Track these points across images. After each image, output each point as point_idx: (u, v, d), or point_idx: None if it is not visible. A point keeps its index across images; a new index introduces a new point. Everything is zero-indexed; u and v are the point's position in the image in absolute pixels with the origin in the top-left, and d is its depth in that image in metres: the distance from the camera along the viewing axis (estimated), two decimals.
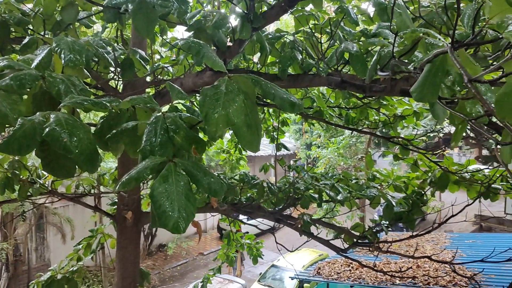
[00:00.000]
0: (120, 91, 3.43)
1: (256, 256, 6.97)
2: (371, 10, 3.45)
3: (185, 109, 1.88)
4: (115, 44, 3.05)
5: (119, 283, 3.71)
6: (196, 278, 14.60)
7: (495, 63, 2.59)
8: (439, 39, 1.64)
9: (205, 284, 6.71)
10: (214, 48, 2.92)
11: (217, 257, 6.96)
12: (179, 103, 3.43)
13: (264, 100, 4.39)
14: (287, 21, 11.87)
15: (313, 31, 3.41)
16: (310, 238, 4.59)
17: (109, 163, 10.81)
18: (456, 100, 1.77)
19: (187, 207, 1.15)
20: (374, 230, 4.63)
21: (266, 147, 20.79)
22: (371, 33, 2.84)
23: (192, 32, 2.86)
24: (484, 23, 1.42)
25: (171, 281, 15.28)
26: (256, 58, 3.89)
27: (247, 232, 9.71)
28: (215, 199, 3.57)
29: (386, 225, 4.69)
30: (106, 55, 2.33)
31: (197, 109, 2.05)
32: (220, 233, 19.23)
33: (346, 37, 3.02)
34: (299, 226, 4.47)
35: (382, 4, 2.74)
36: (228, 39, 3.04)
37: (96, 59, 2.68)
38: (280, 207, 4.73)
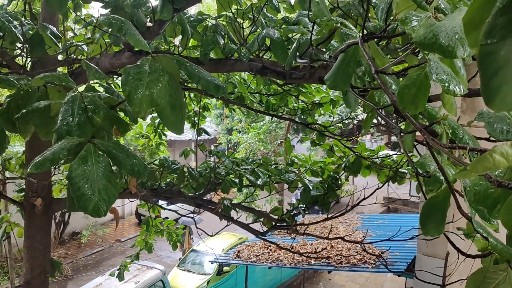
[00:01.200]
0: (28, 69, 3.18)
1: (176, 242, 6.92)
2: None
3: (103, 89, 1.81)
4: (23, 19, 2.82)
5: (28, 274, 3.49)
6: (112, 266, 14.17)
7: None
8: (353, 30, 1.73)
9: (122, 271, 6.55)
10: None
11: (135, 243, 6.81)
12: (95, 83, 3.27)
13: (186, 84, 4.33)
14: (209, 5, 11.73)
15: (236, 16, 3.42)
16: (230, 222, 4.65)
17: (16, 147, 10.03)
18: (367, 89, 1.88)
19: (108, 189, 1.11)
20: (291, 214, 4.80)
21: (187, 132, 20.55)
22: (292, 20, 2.91)
23: (109, 9, 2.73)
24: (392, 18, 1.51)
25: (86, 270, 14.68)
26: (177, 40, 3.81)
27: (167, 218, 9.59)
28: (133, 184, 3.47)
29: (303, 208, 4.88)
30: (13, 29, 2.14)
31: (116, 90, 1.97)
32: (139, 219, 18.76)
33: (268, 23, 3.06)
34: (220, 210, 4.51)
35: None
36: (148, 20, 2.94)
37: (0, 34, 2.46)
38: (201, 192, 4.73)
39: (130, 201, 4.88)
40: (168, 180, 4.80)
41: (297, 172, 5.24)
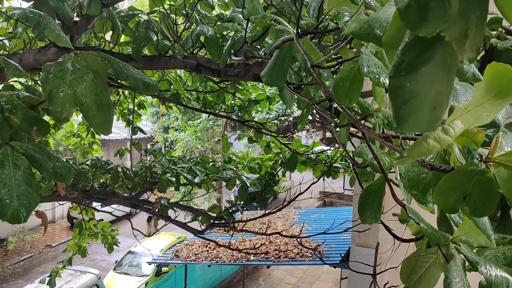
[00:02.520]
0: None
1: (112, 244, 6.69)
2: None
3: (24, 88, 1.69)
4: None
5: None
6: (43, 272, 13.45)
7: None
8: (287, 26, 1.75)
9: (53, 278, 6.24)
10: (59, 22, 2.67)
11: (67, 248, 6.50)
12: (16, 81, 3.07)
13: (119, 81, 4.19)
14: (142, 0, 11.42)
15: (169, 12, 3.35)
16: (168, 222, 4.57)
17: None
18: (302, 85, 1.92)
19: (28, 194, 1.04)
20: (230, 211, 4.81)
21: (121, 131, 19.92)
22: (226, 17, 2.90)
23: (32, 2, 2.57)
24: (324, 15, 1.55)
25: (13, 278, 13.83)
26: (109, 36, 3.68)
27: (102, 220, 9.26)
28: (62, 187, 3.31)
29: (241, 205, 4.90)
30: None
31: (38, 89, 1.86)
32: (71, 223, 17.94)
33: (202, 20, 3.03)
34: (157, 210, 4.42)
35: None
36: (75, 14, 2.80)
37: None
38: (137, 192, 4.61)
39: (60, 204, 4.65)
40: (101, 180, 4.63)
41: (234, 169, 5.25)
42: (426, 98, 0.58)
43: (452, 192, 0.82)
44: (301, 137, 28.98)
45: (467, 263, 1.13)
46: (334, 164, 4.83)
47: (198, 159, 5.49)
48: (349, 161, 3.56)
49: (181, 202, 5.28)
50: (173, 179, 4.78)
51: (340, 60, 1.48)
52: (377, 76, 1.17)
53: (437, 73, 0.57)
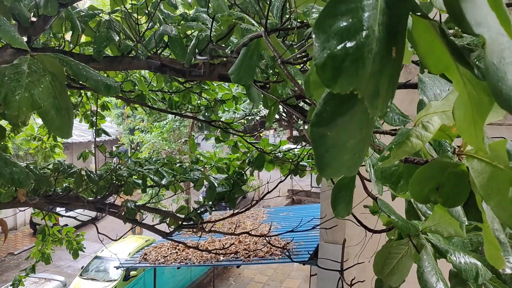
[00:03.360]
0: None
1: (77, 250, 6.53)
2: None
3: None
4: None
5: None
6: (5, 281, 13.01)
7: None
8: (253, 24, 1.75)
9: (16, 286, 6.03)
10: (15, 22, 2.57)
11: (30, 255, 6.29)
12: None
13: (81, 82, 4.08)
14: (104, 0, 11.18)
15: (131, 11, 3.29)
16: (135, 225, 4.50)
17: None
18: (268, 85, 1.93)
19: None
20: (198, 212, 4.78)
21: (85, 133, 19.44)
22: (190, 17, 2.87)
23: None
24: (290, 13, 1.56)
25: None
26: (69, 36, 3.58)
27: (66, 225, 9.01)
28: (22, 193, 3.20)
29: (209, 205, 4.88)
30: None
31: None
32: (34, 229, 17.37)
33: (165, 20, 2.99)
34: (123, 213, 4.34)
35: None
36: (32, 14, 2.71)
37: None
38: (102, 195, 4.51)
39: (20, 210, 4.50)
40: (64, 185, 4.51)
41: (202, 170, 5.23)
42: (346, 146, 0.60)
43: (426, 183, 0.84)
44: (269, 136, 29.12)
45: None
46: (301, 163, 4.87)
47: (165, 160, 5.43)
48: None
49: (148, 205, 5.21)
50: (140, 181, 4.70)
51: (306, 58, 1.49)
52: None
53: (356, 123, 0.59)
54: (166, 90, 5.37)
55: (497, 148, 0.75)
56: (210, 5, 1.91)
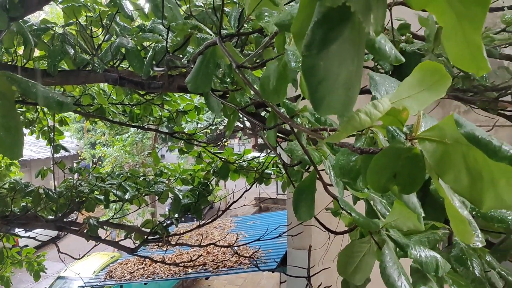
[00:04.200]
0: None
1: (38, 271, 6.28)
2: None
3: None
4: None
5: None
6: None
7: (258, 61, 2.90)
8: (209, 32, 1.74)
9: None
10: None
11: None
12: None
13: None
14: (58, 13, 10.90)
15: (86, 23, 3.22)
16: (99, 242, 4.37)
17: None
18: (227, 93, 1.92)
19: None
20: (164, 225, 4.71)
21: (43, 149, 18.82)
22: (147, 28, 2.83)
23: None
24: (246, 18, 1.56)
25: None
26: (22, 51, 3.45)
27: (26, 246, 8.66)
28: None
29: (175, 218, 4.81)
30: None
31: None
32: None
33: (122, 32, 2.94)
34: (85, 231, 4.21)
35: (156, 0, 2.76)
36: None
37: None
38: (62, 213, 4.37)
39: None
40: (22, 204, 4.33)
41: (167, 182, 5.16)
42: (339, 78, 0.59)
43: (383, 172, 0.85)
44: (234, 145, 29.10)
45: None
46: (266, 171, 4.89)
47: (128, 174, 5.33)
48: (280, 163, 3.62)
49: (112, 220, 5.09)
50: (102, 197, 4.59)
51: (263, 61, 1.50)
52: None
53: (346, 52, 0.59)
54: (127, 103, 5.27)
55: (445, 126, 0.77)
56: (165, 15, 1.89)
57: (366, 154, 0.85)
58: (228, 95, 1.87)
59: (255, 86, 1.61)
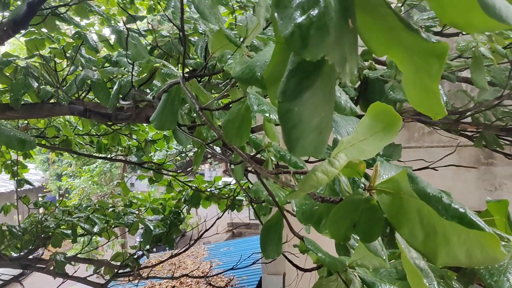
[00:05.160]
0: None
1: None
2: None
3: None
4: None
5: None
6: None
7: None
8: (174, 69, 1.75)
9: None
10: None
11: None
12: None
13: None
14: (21, 45, 10.72)
15: (51, 55, 3.17)
16: (66, 279, 4.22)
17: None
18: (195, 126, 1.92)
19: None
20: (135, 257, 4.60)
21: (7, 183, 18.14)
22: (112, 60, 2.82)
23: None
24: (209, 56, 1.57)
25: None
26: None
27: None
28: None
29: (146, 249, 4.72)
30: None
31: None
32: None
33: (87, 63, 2.92)
34: (52, 268, 4.06)
35: (121, 32, 2.76)
36: None
37: None
38: (27, 250, 4.20)
39: None
40: None
41: (137, 212, 5.07)
42: (311, 123, 0.62)
43: (343, 221, 0.86)
44: (205, 170, 28.89)
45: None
46: (237, 197, 4.87)
47: (97, 205, 5.21)
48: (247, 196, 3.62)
49: (81, 254, 4.93)
50: (69, 231, 4.45)
51: (229, 101, 1.51)
52: (267, 114, 1.22)
53: (318, 99, 0.61)
54: (94, 133, 5.19)
55: (399, 179, 0.79)
56: (129, 51, 1.89)
57: (327, 202, 0.87)
58: (196, 126, 1.87)
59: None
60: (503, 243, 1.17)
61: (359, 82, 2.28)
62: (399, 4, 2.51)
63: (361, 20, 0.62)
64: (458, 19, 0.53)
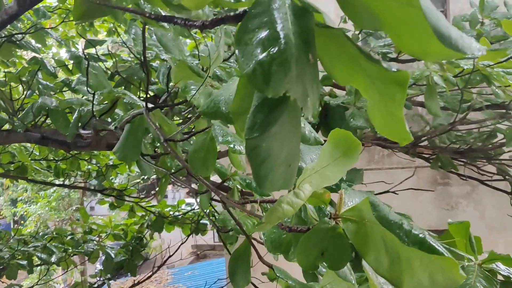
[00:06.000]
0: None
1: None
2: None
3: None
4: None
5: None
6: None
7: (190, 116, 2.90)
8: (136, 99, 1.73)
9: None
10: None
11: None
12: None
13: None
14: None
15: (6, 79, 3.07)
16: None
17: None
18: (158, 155, 1.90)
19: None
20: (95, 286, 4.45)
21: None
22: (72, 87, 2.76)
23: None
24: (172, 87, 1.57)
25: None
26: None
27: None
28: None
29: (107, 277, 4.58)
30: None
31: None
32: None
33: (45, 90, 2.84)
34: None
35: (79, 57, 2.72)
36: None
37: None
38: None
39: None
40: None
41: (97, 239, 4.91)
42: (280, 156, 0.62)
43: (311, 250, 0.87)
44: (168, 191, 28.42)
45: None
46: (201, 221, 4.81)
47: (54, 233, 5.00)
48: (216, 212, 3.58)
49: (36, 286, 4.72)
50: (25, 262, 4.26)
51: (194, 131, 1.50)
52: (232, 145, 1.23)
53: (286, 131, 0.62)
54: (51, 158, 5.02)
55: (363, 207, 0.81)
56: (90, 81, 1.86)
57: (295, 232, 0.88)
58: (159, 156, 1.85)
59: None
60: (467, 263, 1.21)
61: (319, 108, 2.33)
62: (357, 32, 2.60)
63: (323, 51, 0.64)
64: (414, 48, 0.54)
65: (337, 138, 0.87)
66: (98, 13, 0.97)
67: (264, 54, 0.50)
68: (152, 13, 0.71)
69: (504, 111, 2.84)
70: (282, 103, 0.59)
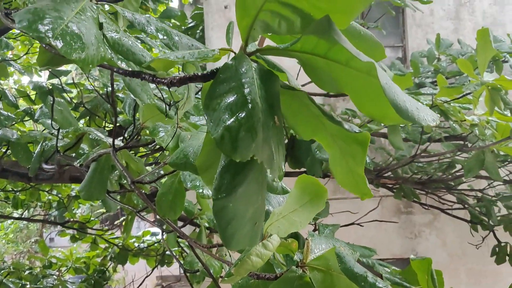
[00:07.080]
0: None
1: None
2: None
3: None
4: None
5: None
6: None
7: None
8: (102, 137, 1.71)
9: None
10: None
11: None
12: None
13: None
14: None
15: None
16: None
17: None
18: (125, 192, 1.87)
19: None
20: None
21: None
22: (35, 119, 2.69)
23: None
24: (140, 127, 1.56)
25: None
26: None
27: None
28: None
29: None
30: None
31: None
32: None
33: (6, 122, 2.76)
34: None
35: (43, 88, 2.68)
36: None
37: None
38: None
39: None
40: None
41: (57, 274, 4.73)
42: (246, 215, 0.63)
43: None
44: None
45: None
46: (167, 252, 4.72)
47: (11, 268, 4.79)
48: (183, 242, 3.53)
49: None
50: None
51: (164, 173, 1.50)
52: (200, 190, 1.24)
53: (252, 191, 0.63)
54: (10, 189, 4.84)
55: (329, 256, 0.83)
56: (55, 118, 1.83)
57: (263, 280, 0.89)
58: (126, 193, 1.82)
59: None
60: None
61: (286, 140, 2.37)
62: None
63: (286, 109, 0.67)
64: (374, 113, 0.58)
65: (304, 184, 0.89)
66: (63, 62, 0.97)
67: (232, 119, 0.51)
68: (120, 69, 0.72)
69: (462, 142, 2.97)
70: (249, 164, 0.61)
